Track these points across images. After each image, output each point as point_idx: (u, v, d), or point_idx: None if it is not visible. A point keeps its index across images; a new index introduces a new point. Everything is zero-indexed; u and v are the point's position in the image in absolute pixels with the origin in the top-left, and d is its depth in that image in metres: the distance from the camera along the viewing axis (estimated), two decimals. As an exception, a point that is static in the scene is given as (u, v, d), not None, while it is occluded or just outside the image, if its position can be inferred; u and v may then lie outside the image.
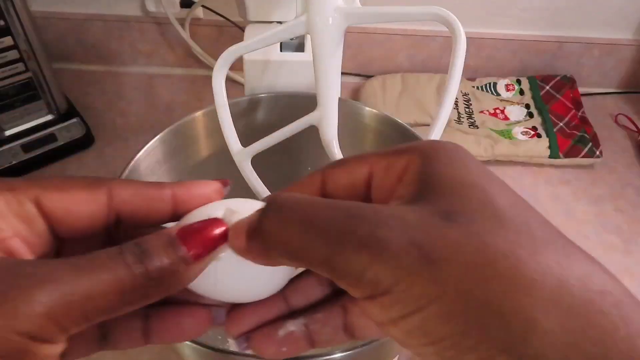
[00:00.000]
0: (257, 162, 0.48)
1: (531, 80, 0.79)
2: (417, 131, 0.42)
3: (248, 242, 0.18)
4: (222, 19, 0.75)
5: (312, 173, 0.22)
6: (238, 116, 0.44)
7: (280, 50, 0.46)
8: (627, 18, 0.77)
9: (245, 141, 0.37)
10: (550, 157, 0.69)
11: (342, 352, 0.29)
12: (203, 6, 0.74)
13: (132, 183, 0.21)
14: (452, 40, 0.27)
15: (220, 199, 0.21)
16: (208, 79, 0.46)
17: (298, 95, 0.46)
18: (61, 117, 0.66)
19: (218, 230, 0.19)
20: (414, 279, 0.16)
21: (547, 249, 0.16)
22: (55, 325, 0.16)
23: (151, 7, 0.74)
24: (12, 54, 0.58)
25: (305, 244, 0.17)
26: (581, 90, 0.79)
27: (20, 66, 0.59)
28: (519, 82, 0.79)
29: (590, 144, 0.70)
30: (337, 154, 0.33)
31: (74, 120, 0.67)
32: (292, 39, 0.47)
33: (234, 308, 0.21)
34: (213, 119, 0.38)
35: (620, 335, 0.15)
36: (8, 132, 0.63)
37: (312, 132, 0.34)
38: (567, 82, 0.78)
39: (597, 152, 0.69)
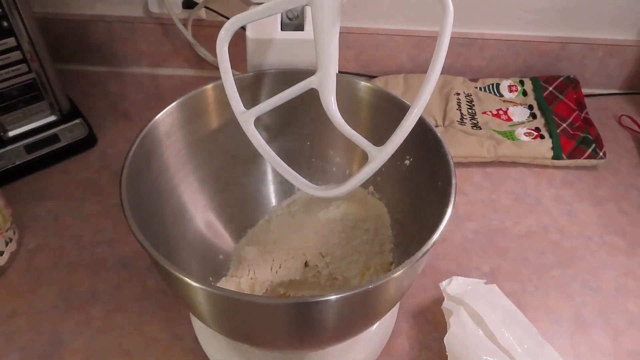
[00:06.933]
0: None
1: (534, 81, 0.79)
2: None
3: None
4: (224, 19, 0.75)
5: None
6: (241, 91, 0.47)
7: (281, 30, 0.49)
8: (631, 19, 0.77)
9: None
10: (553, 158, 0.69)
11: (336, 294, 0.30)
12: (206, 7, 0.74)
13: None
14: (441, 13, 0.31)
15: None
16: (211, 79, 0.47)
17: (298, 71, 0.47)
18: (64, 118, 0.66)
19: None
20: None
21: None
22: None
23: (154, 8, 0.74)
24: (15, 55, 0.58)
25: None
26: (584, 91, 0.78)
27: (23, 67, 0.60)
28: (522, 83, 0.79)
29: (594, 145, 0.69)
30: (335, 111, 0.38)
31: (77, 121, 0.67)
32: (290, 19, 0.50)
33: None
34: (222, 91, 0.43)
35: None
36: (11, 133, 0.63)
37: (312, 110, 0.38)
38: (570, 83, 0.78)
39: (601, 154, 0.69)
